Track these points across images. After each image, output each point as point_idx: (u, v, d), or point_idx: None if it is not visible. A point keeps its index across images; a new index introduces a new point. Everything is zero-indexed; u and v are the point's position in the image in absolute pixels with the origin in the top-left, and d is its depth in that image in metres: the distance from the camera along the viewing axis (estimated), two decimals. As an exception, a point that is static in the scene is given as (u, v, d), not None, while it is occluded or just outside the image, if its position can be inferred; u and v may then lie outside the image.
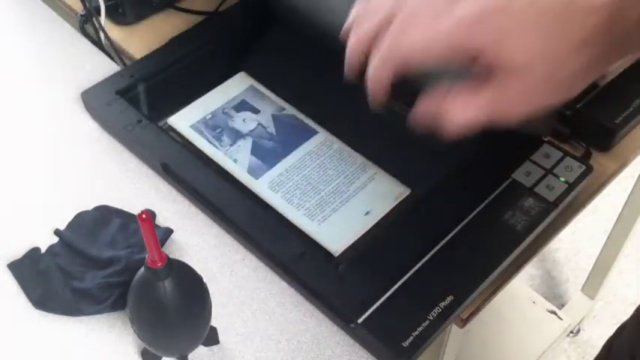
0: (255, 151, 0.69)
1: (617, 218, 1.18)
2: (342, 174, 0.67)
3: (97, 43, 0.85)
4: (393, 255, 0.61)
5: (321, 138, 0.69)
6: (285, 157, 0.68)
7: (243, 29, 0.82)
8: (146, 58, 0.79)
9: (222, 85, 0.75)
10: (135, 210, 0.67)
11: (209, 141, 0.70)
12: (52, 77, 0.81)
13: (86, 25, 0.85)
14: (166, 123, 0.73)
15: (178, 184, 0.68)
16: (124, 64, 0.83)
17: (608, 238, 1.24)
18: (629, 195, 1.11)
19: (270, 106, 0.73)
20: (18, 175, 0.72)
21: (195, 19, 0.85)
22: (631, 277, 1.51)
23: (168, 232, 0.65)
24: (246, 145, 0.69)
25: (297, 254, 0.60)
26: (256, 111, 0.72)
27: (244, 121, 0.71)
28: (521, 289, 1.35)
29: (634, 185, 1.08)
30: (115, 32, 0.85)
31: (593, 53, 0.42)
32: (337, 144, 0.69)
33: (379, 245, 0.62)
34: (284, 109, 0.72)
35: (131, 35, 0.85)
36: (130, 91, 0.75)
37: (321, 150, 0.68)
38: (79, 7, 0.84)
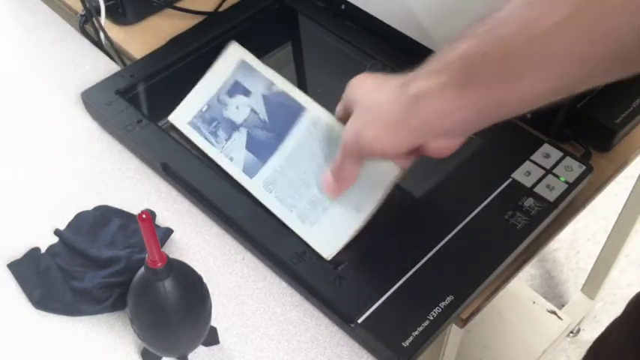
0: (250, 144, 0.69)
1: (617, 218, 1.17)
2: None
3: (97, 43, 0.85)
4: (393, 255, 0.61)
5: (311, 115, 0.68)
6: (278, 148, 0.67)
7: (243, 29, 0.82)
8: (146, 58, 0.79)
9: (215, 63, 0.74)
10: (135, 210, 0.67)
11: (206, 138, 0.70)
12: (52, 77, 0.81)
13: (86, 25, 0.85)
14: (168, 121, 0.73)
15: (178, 184, 0.68)
16: (124, 64, 0.84)
17: (608, 238, 1.24)
18: (629, 195, 1.11)
19: (260, 83, 0.72)
20: (18, 175, 0.72)
21: (195, 19, 0.85)
22: (631, 277, 1.51)
23: (168, 232, 0.65)
24: (241, 138, 0.69)
25: (297, 254, 0.60)
26: (248, 92, 0.71)
27: (238, 109, 0.71)
28: (521, 289, 1.35)
29: (634, 185, 1.08)
30: (115, 32, 0.85)
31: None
32: (327, 118, 0.67)
33: (379, 245, 0.62)
34: (273, 83, 0.71)
35: (131, 35, 0.85)
36: (130, 91, 0.75)
37: (312, 134, 0.67)
38: (79, 7, 0.84)
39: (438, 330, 0.56)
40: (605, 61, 0.43)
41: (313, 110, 0.68)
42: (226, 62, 0.75)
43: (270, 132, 0.69)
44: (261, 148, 0.69)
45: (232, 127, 0.71)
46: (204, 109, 0.72)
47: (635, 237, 1.20)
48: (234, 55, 0.75)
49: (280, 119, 0.69)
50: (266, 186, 0.66)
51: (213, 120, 0.71)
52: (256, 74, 0.72)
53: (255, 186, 0.66)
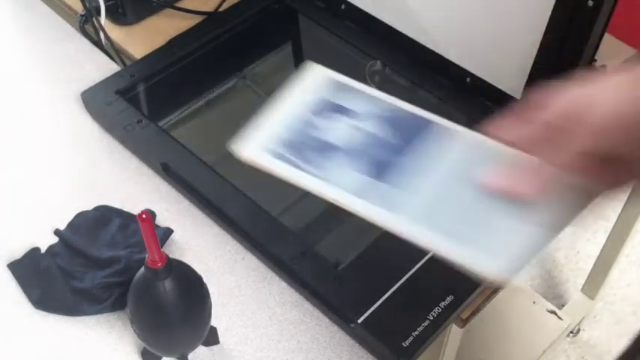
0: (364, 165, 0.55)
1: (617, 218, 1.18)
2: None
3: (97, 43, 0.85)
4: (393, 255, 0.61)
5: (465, 137, 0.56)
6: (417, 170, 0.55)
7: (243, 29, 0.82)
8: (146, 58, 0.79)
9: (292, 86, 0.60)
10: (135, 210, 0.67)
11: (297, 165, 0.54)
12: (52, 77, 0.81)
13: (86, 25, 0.85)
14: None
15: (178, 184, 0.68)
16: (124, 64, 0.84)
17: (608, 238, 1.24)
18: (630, 195, 1.11)
19: (364, 101, 0.59)
20: (18, 175, 0.72)
21: (195, 19, 0.85)
22: (631, 277, 1.51)
23: (168, 232, 0.65)
24: (347, 160, 0.56)
25: (297, 254, 0.60)
26: (348, 112, 0.59)
27: (337, 130, 0.57)
28: (521, 289, 1.35)
29: (634, 185, 1.08)
30: (115, 32, 0.85)
31: None
32: (485, 140, 0.53)
33: (379, 245, 0.62)
34: (386, 101, 0.59)
35: (131, 35, 0.85)
36: (130, 91, 0.75)
37: (466, 157, 0.55)
38: (79, 7, 0.84)
39: (438, 330, 0.56)
40: None
41: (465, 133, 0.56)
42: (307, 83, 0.60)
43: (397, 153, 0.55)
44: (383, 170, 0.55)
45: (332, 149, 0.56)
46: (287, 135, 0.57)
47: (635, 237, 1.20)
48: (314, 74, 0.61)
49: (412, 139, 0.56)
50: (396, 209, 0.53)
51: (302, 145, 0.56)
52: (354, 92, 0.59)
53: (371, 206, 0.53)
